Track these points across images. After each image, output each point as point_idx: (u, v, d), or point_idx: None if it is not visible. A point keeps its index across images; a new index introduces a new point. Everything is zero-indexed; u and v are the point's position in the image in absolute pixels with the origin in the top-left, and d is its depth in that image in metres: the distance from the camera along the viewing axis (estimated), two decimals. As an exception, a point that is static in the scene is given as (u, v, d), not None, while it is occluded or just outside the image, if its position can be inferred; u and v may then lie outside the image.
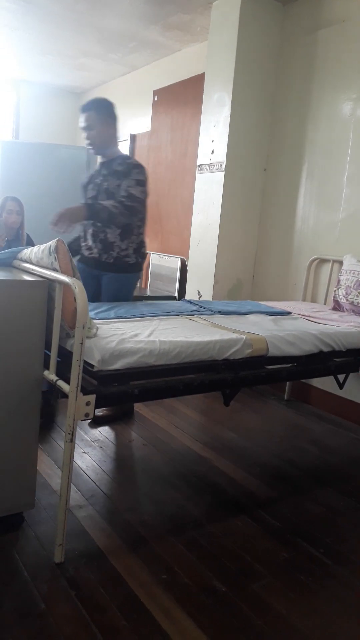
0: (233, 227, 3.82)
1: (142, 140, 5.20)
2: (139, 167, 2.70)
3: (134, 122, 5.34)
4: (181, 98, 4.50)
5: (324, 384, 3.47)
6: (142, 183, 2.65)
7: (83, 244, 2.86)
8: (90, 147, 2.78)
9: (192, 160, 4.18)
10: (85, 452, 2.58)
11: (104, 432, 2.84)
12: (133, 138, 5.35)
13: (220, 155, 3.68)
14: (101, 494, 2.20)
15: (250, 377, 2.04)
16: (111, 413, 3.00)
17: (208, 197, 3.82)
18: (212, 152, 3.74)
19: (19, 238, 3.63)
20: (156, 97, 4.84)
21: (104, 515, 2.04)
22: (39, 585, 1.60)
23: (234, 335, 2.00)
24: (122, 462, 2.54)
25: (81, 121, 2.71)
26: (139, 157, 5.28)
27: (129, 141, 5.37)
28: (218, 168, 3.71)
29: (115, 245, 2.73)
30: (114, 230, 2.70)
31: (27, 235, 3.69)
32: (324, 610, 1.62)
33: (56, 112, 6.64)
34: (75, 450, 2.56)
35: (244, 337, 1.99)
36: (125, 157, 2.79)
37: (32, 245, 3.58)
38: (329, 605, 1.64)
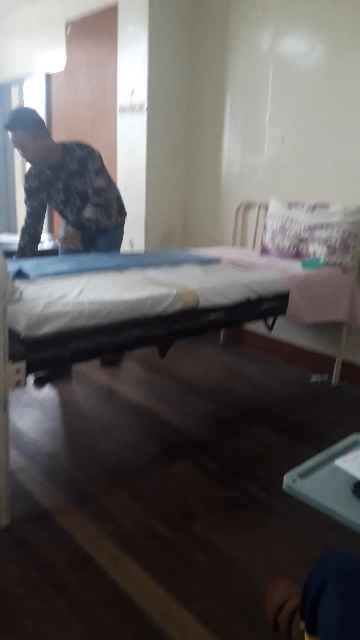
0: (160, 172, 3.72)
1: (58, 80, 4.84)
2: (89, 153, 2.73)
3: (47, 58, 4.94)
4: (96, 31, 4.18)
5: (256, 327, 3.58)
6: (100, 169, 2.75)
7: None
8: (31, 163, 2.73)
9: (112, 100, 3.95)
10: (25, 414, 2.55)
11: (43, 392, 2.82)
12: (48, 78, 4.96)
13: (141, 96, 3.51)
14: (43, 454, 2.21)
15: (184, 329, 2.07)
16: (50, 372, 2.97)
17: (131, 140, 3.67)
18: (132, 92, 3.56)
19: None
20: (69, 29, 4.48)
21: (47, 474, 2.06)
22: (-15, 552, 1.62)
23: (164, 290, 1.99)
24: (64, 420, 2.54)
25: (11, 139, 2.59)
26: (56, 99, 4.93)
27: (44, 82, 4.98)
28: (139, 110, 3.55)
29: (107, 227, 2.95)
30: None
31: None
32: (263, 542, 1.75)
33: None
34: (14, 412, 2.53)
35: (174, 291, 1.99)
36: (70, 152, 2.73)
37: None
38: (267, 537, 1.78)
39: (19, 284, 1.83)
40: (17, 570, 1.56)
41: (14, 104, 5.99)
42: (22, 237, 2.93)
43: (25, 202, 2.90)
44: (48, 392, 2.83)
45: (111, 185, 2.87)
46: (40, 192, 2.86)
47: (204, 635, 1.37)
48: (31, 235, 2.94)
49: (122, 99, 3.67)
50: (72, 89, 4.60)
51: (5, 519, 1.73)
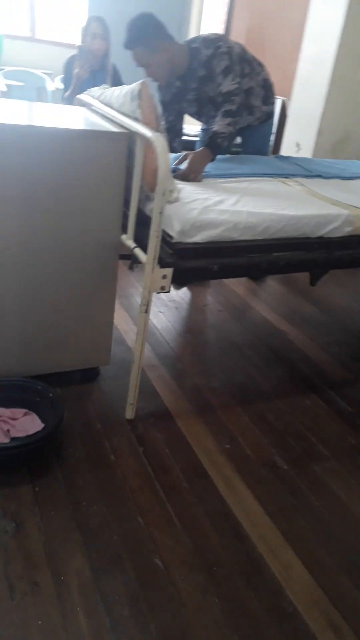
0: (351, 64, 3.17)
1: None
2: (214, 51, 2.19)
3: None
4: None
5: None
6: (228, 67, 2.19)
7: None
8: (158, 81, 2.29)
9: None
10: (160, 312, 2.57)
11: (180, 293, 2.80)
12: None
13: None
14: (173, 356, 2.23)
15: (346, 258, 1.82)
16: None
17: (324, 23, 3.13)
18: None
19: (105, 69, 3.22)
20: None
21: (174, 377, 2.09)
22: (109, 438, 1.71)
23: (334, 210, 1.74)
24: (196, 325, 2.52)
25: (133, 59, 2.16)
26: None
27: None
28: (343, -17, 2.97)
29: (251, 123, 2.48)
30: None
31: (114, 67, 3.26)
32: (385, 502, 1.62)
33: None
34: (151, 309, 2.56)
35: (346, 212, 1.73)
36: (196, 54, 2.24)
37: (119, 79, 3.21)
38: (390, 498, 1.64)
39: (178, 183, 1.71)
40: (134, 464, 1.63)
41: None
42: None
43: (162, 116, 2.55)
44: (185, 293, 2.80)
45: (251, 73, 2.38)
46: (173, 105, 2.51)
47: (307, 581, 1.33)
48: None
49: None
50: None
51: (131, 413, 1.79)
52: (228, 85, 2.18)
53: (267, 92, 2.46)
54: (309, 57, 3.30)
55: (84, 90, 2.70)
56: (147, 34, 2.12)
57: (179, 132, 2.60)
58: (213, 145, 2.07)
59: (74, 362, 1.89)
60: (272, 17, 4.04)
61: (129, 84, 1.60)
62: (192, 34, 5.37)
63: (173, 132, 2.56)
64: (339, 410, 2.01)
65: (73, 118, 1.73)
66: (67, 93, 3.12)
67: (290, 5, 3.78)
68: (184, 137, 2.62)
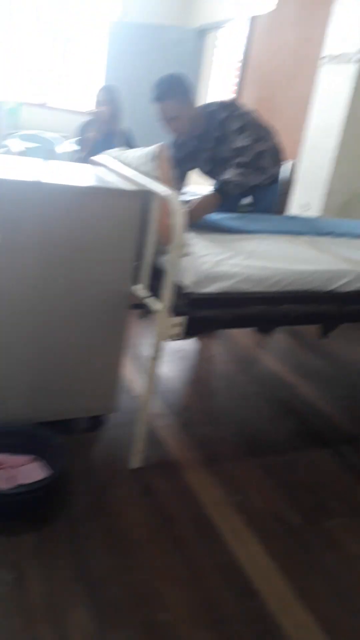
0: (358, 132, 3.34)
1: (262, 22, 4.57)
2: (229, 113, 2.37)
3: (252, 2, 4.67)
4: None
5: None
6: (241, 127, 2.35)
7: None
8: (180, 136, 2.45)
9: (317, 49, 3.61)
10: (169, 361, 2.60)
11: (188, 343, 2.84)
12: (253, 20, 4.71)
13: (354, 45, 3.13)
14: (181, 405, 2.23)
15: (357, 312, 1.86)
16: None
17: (332, 93, 3.33)
18: (344, 39, 3.20)
19: (113, 132, 3.40)
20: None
21: (182, 426, 2.08)
22: (114, 488, 1.69)
23: (345, 266, 1.79)
24: (204, 375, 2.54)
25: (159, 112, 2.32)
26: (257, 43, 4.67)
27: (248, 23, 4.73)
28: (349, 59, 3.18)
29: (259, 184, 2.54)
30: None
31: (128, 131, 3.46)
32: None
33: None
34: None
35: (358, 269, 1.78)
36: (213, 116, 2.41)
37: (133, 141, 3.40)
38: None
39: (191, 238, 1.78)
40: (140, 514, 1.60)
41: (208, 50, 5.85)
42: None
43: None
44: (193, 344, 2.83)
45: (264, 136, 2.46)
46: (185, 163, 2.62)
47: (321, 642, 1.28)
48: None
49: (330, 46, 3.33)
50: (277, 32, 4.32)
51: (137, 462, 1.78)
52: (241, 141, 2.32)
53: (277, 156, 2.59)
54: (316, 125, 3.49)
55: (97, 152, 2.91)
56: (178, 89, 2.30)
57: (180, 190, 2.69)
58: (222, 191, 2.18)
59: (82, 409, 1.90)
60: (281, 87, 4.31)
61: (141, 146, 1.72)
62: (202, 102, 5.71)
63: (176, 189, 2.70)
64: (350, 465, 1.99)
65: (89, 176, 1.83)
66: (83, 154, 3.33)
67: (298, 78, 4.04)
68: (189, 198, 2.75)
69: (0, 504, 1.51)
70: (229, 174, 2.24)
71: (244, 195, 2.65)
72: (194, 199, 2.12)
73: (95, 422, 1.98)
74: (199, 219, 2.09)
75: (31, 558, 1.39)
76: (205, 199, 2.12)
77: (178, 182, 2.63)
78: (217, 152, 2.45)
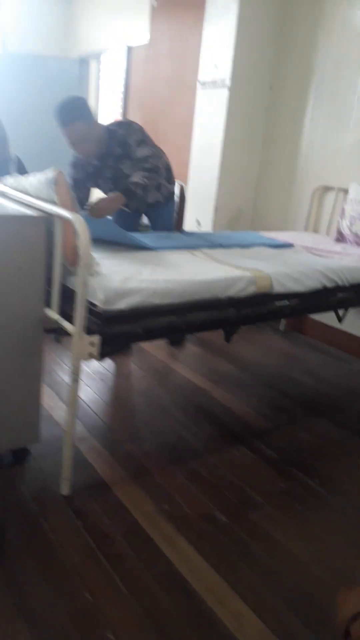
0: (236, 151, 3.62)
1: (139, 53, 4.79)
2: (128, 129, 2.49)
3: (131, 31, 4.88)
4: (182, 4, 4.08)
5: (321, 316, 3.46)
6: (141, 140, 2.49)
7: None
8: (86, 156, 2.50)
9: (192, 75, 3.86)
10: (87, 385, 2.59)
11: (104, 364, 2.86)
12: (129, 51, 4.91)
13: (225, 71, 3.40)
14: (103, 426, 2.24)
15: (253, 315, 2.02)
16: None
17: (209, 117, 3.58)
18: (215, 66, 3.46)
19: (6, 160, 3.36)
20: (155, 2, 4.39)
21: (106, 446, 2.09)
22: (46, 517, 1.66)
23: (238, 273, 1.94)
24: (123, 393, 2.57)
25: (68, 136, 2.36)
26: (136, 72, 4.88)
27: (125, 54, 4.93)
28: (221, 85, 3.44)
29: (158, 200, 2.75)
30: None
31: (17, 158, 3.44)
32: (320, 537, 1.71)
33: (45, 18, 6.03)
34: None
35: (248, 274, 1.94)
36: (113, 135, 2.51)
37: (23, 167, 3.37)
38: (324, 532, 1.73)
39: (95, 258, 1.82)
40: (75, 539, 1.59)
41: (92, 79, 5.99)
42: None
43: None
44: (108, 364, 2.86)
45: (159, 152, 2.63)
46: (87, 183, 2.69)
47: (259, 627, 1.35)
48: None
49: (203, 73, 3.57)
50: (152, 61, 4.54)
51: (67, 488, 1.77)
52: (143, 151, 2.43)
53: (169, 174, 2.75)
54: (199, 146, 3.72)
55: None
56: (83, 111, 2.32)
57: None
58: (127, 191, 2.24)
59: (2, 443, 1.84)
60: (163, 112, 4.52)
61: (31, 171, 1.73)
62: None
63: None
64: (266, 458, 2.12)
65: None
66: None
67: (177, 103, 4.27)
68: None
69: None
70: (134, 177, 2.33)
71: (144, 211, 2.75)
72: (98, 197, 2.17)
73: (19, 455, 1.92)
74: (103, 213, 2.16)
75: (-36, 602, 1.33)
76: (110, 197, 2.20)
77: (82, 202, 2.71)
78: (119, 169, 2.53)
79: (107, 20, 5.29)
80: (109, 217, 2.26)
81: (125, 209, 2.43)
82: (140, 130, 2.53)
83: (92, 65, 5.92)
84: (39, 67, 5.32)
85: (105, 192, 2.70)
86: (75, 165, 2.65)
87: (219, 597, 1.43)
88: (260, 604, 1.42)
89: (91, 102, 5.89)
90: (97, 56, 5.67)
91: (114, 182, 2.60)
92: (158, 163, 2.53)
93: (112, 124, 2.54)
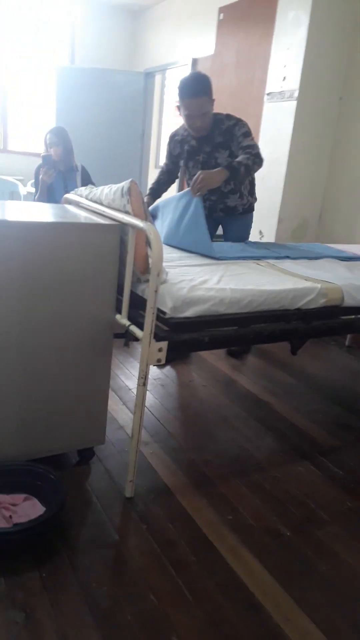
0: (303, 162, 3.59)
1: (205, 64, 4.87)
2: (240, 123, 2.59)
3: (196, 44, 4.99)
4: (250, 17, 4.12)
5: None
6: (248, 132, 2.57)
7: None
8: (199, 133, 2.59)
9: (259, 87, 3.88)
10: (148, 390, 2.63)
11: (165, 372, 2.89)
12: (195, 62, 5.01)
13: (293, 82, 3.39)
14: (165, 432, 2.26)
15: (323, 327, 1.97)
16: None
17: (276, 128, 3.57)
18: (284, 78, 3.46)
19: (70, 168, 3.49)
20: (222, 15, 4.46)
21: (169, 453, 2.11)
22: (112, 518, 1.69)
23: (308, 284, 1.91)
24: (184, 401, 2.58)
25: (191, 108, 2.47)
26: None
27: (190, 66, 5.04)
28: (289, 97, 3.44)
29: (237, 207, 2.80)
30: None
31: (82, 168, 3.57)
32: (389, 561, 1.63)
33: (113, 33, 6.28)
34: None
35: (319, 286, 1.90)
36: (219, 123, 2.60)
37: (88, 177, 3.50)
38: (394, 556, 1.65)
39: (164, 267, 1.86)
40: (139, 542, 1.61)
41: (157, 92, 6.15)
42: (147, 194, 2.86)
43: (164, 162, 2.86)
44: (169, 372, 2.88)
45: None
46: (179, 159, 2.78)
47: (326, 648, 1.31)
48: (153, 191, 2.86)
49: (271, 85, 3.58)
50: (218, 74, 4.60)
51: (131, 491, 1.79)
52: (250, 142, 2.51)
53: (253, 187, 2.79)
54: (265, 158, 3.70)
55: (54, 192, 2.99)
56: (210, 88, 2.46)
57: (172, 180, 2.91)
58: (231, 166, 2.33)
59: (71, 443, 1.90)
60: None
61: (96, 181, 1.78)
62: (152, 142, 5.97)
63: (168, 177, 2.87)
64: (332, 475, 2.06)
65: (65, 214, 1.90)
66: (37, 196, 3.40)
67: (243, 115, 4.29)
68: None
69: (3, 543, 1.49)
70: (241, 158, 2.41)
71: (222, 220, 2.82)
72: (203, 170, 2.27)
73: (85, 455, 1.98)
74: (206, 185, 2.24)
75: (38, 595, 1.38)
76: (213, 171, 2.28)
77: (172, 172, 2.84)
78: (213, 157, 2.62)
79: (172, 33, 5.43)
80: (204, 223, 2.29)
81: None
82: (248, 126, 2.61)
83: (157, 78, 6.08)
84: (105, 80, 5.51)
85: (191, 175, 2.76)
86: (172, 139, 2.77)
87: (285, 613, 1.40)
88: (329, 625, 1.38)
89: (154, 115, 6.05)
90: (162, 70, 5.82)
91: (203, 167, 2.65)
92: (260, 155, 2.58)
93: (220, 114, 2.64)
